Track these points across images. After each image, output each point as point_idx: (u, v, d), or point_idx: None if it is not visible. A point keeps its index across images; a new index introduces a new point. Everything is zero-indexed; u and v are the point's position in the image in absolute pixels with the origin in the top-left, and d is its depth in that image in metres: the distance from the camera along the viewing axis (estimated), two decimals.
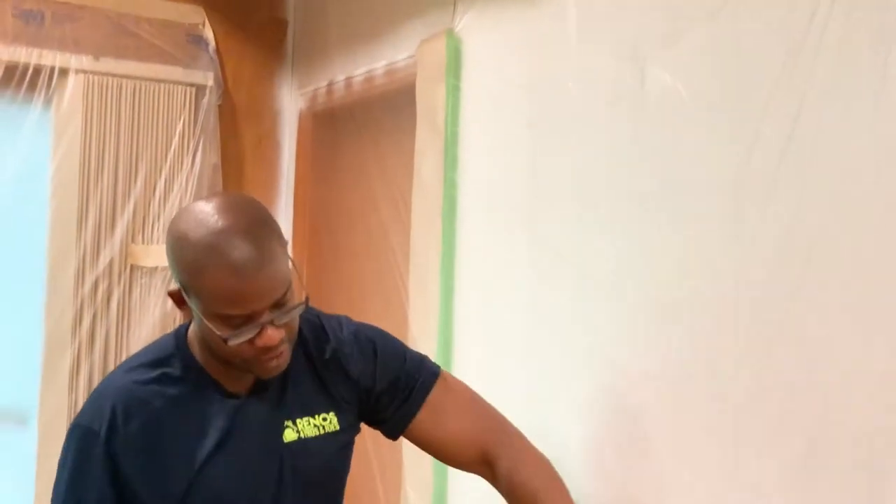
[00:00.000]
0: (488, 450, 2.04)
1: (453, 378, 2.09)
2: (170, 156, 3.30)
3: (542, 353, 2.36)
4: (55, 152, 3.20)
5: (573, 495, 1.93)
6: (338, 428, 1.99)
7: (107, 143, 3.22)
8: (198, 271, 1.76)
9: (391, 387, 2.02)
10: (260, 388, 1.92)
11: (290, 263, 1.82)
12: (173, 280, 1.85)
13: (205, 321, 1.77)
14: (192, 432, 1.88)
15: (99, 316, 3.18)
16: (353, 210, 3.09)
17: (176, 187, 3.27)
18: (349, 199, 3.14)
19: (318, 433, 1.98)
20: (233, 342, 1.76)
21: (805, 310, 1.81)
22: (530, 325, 2.40)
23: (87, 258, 3.20)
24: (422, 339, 2.70)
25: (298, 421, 1.97)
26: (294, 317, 1.83)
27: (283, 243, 1.82)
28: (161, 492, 1.84)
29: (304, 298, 1.86)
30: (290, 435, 1.95)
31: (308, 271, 3.31)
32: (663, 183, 2.05)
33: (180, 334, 1.94)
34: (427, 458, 2.59)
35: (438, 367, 2.07)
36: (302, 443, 1.95)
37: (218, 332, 1.76)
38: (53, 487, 1.87)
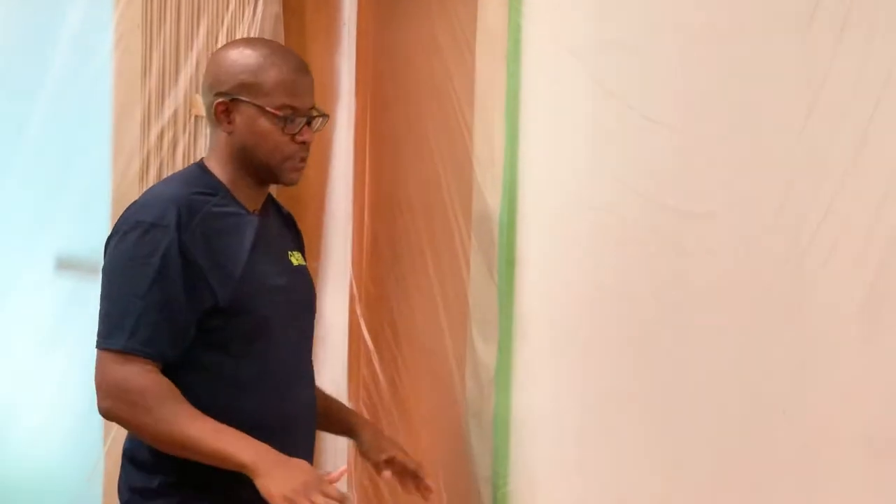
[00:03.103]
0: None
1: None
2: (231, 5, 3.27)
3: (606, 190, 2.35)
4: (117, 2, 3.18)
5: None
6: (305, 263, 2.41)
7: None
8: (263, 69, 2.23)
9: None
10: (265, 212, 2.33)
11: None
12: (213, 94, 2.25)
13: (261, 118, 2.21)
14: (235, 233, 2.23)
15: (165, 165, 3.19)
16: (416, 56, 3.06)
17: (238, 36, 3.24)
18: (411, 44, 3.11)
19: (303, 264, 2.39)
20: (289, 128, 2.21)
21: None
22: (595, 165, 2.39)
23: (153, 108, 3.20)
24: (486, 186, 2.69)
25: (295, 252, 2.39)
26: (321, 127, 2.30)
27: None
28: (224, 275, 2.18)
29: (327, 114, 2.30)
30: (294, 260, 2.37)
31: (371, 116, 3.31)
32: None
33: (199, 164, 2.32)
34: (493, 302, 2.62)
35: None
36: (302, 269, 2.38)
37: (280, 123, 2.20)
38: (118, 279, 2.18)
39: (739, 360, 2.04)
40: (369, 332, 3.28)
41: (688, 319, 2.16)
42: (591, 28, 2.38)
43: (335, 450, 3.29)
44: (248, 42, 2.42)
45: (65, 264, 3.26)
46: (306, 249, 2.56)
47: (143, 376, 2.12)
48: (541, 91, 2.54)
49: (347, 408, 2.69)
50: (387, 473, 2.44)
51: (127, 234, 2.18)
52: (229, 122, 2.25)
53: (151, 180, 3.20)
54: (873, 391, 1.79)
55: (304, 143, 2.25)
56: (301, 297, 2.39)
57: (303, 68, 2.28)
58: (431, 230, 2.94)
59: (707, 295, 2.11)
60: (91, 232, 3.22)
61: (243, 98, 2.22)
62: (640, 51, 2.26)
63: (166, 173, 3.22)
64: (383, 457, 2.45)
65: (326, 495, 2.07)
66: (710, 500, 2.11)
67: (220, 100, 2.25)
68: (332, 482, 2.14)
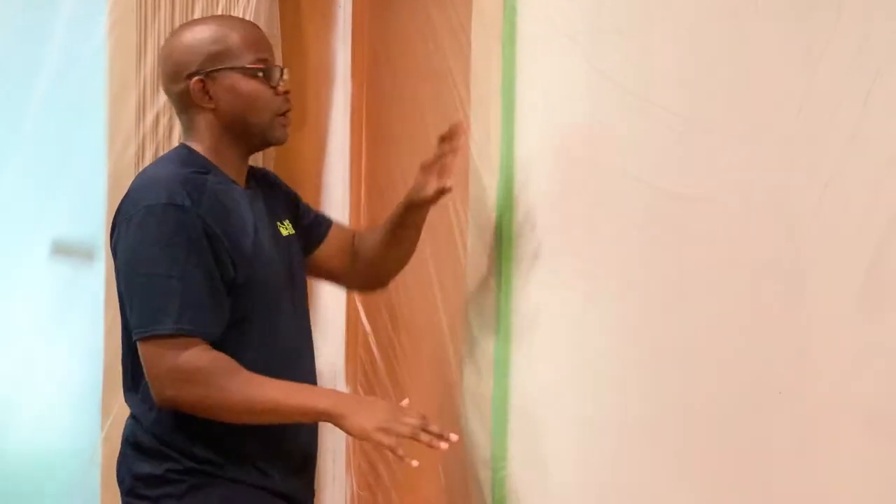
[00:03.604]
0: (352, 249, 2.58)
1: None
2: None
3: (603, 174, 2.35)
4: None
5: None
6: (293, 233, 2.41)
7: None
8: (225, 35, 2.25)
9: (303, 215, 2.52)
10: (251, 186, 2.34)
11: None
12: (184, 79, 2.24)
13: (243, 79, 2.22)
14: (237, 208, 2.22)
15: (161, 150, 3.17)
16: (412, 38, 3.05)
17: None
18: (407, 27, 3.10)
19: (291, 234, 2.40)
20: (271, 81, 2.23)
21: None
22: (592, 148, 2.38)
23: (148, 93, 3.20)
24: (483, 169, 2.69)
25: (285, 221, 2.40)
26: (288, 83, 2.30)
27: None
28: (240, 250, 2.18)
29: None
30: (283, 231, 2.37)
31: (367, 99, 3.30)
32: None
33: (183, 146, 2.31)
34: (491, 286, 2.62)
35: None
36: (291, 239, 2.38)
37: (263, 78, 2.23)
38: (146, 264, 2.15)
39: (737, 343, 2.04)
40: (367, 315, 3.28)
41: (686, 303, 2.16)
42: (587, 10, 2.37)
43: (333, 449, 3.30)
44: (192, 23, 2.45)
45: (61, 249, 3.26)
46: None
47: (202, 355, 2.12)
48: (537, 74, 2.53)
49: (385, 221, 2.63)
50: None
51: (142, 219, 2.15)
52: (210, 98, 2.24)
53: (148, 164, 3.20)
54: (871, 373, 1.79)
55: (286, 93, 2.29)
56: (295, 270, 2.39)
57: (257, 26, 2.39)
58: (429, 214, 2.94)
59: (705, 278, 2.11)
60: (87, 217, 3.22)
61: (218, 67, 2.24)
62: (638, 34, 2.25)
63: None
64: (430, 190, 2.48)
65: (410, 418, 2.16)
66: (709, 481, 2.11)
67: (197, 78, 2.24)
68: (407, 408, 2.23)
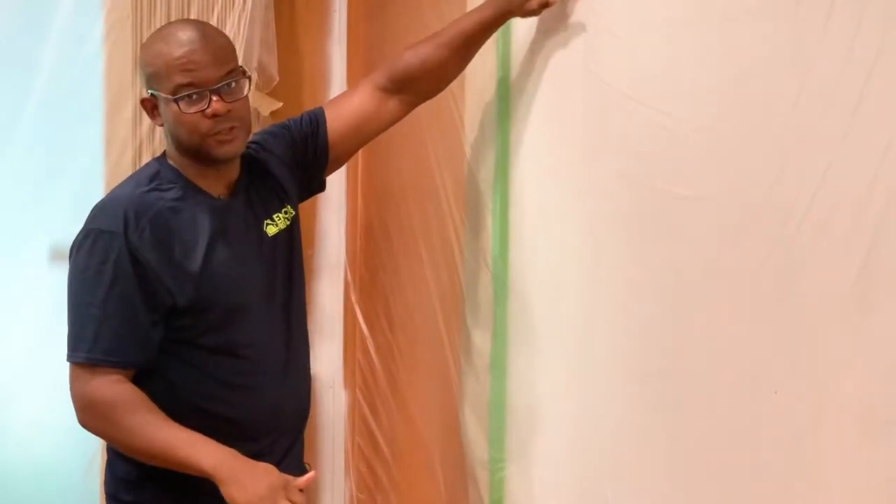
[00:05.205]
0: (380, 79, 2.52)
1: None
2: None
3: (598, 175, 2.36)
4: None
5: None
6: (294, 213, 2.39)
7: None
8: (155, 56, 2.18)
9: (302, 134, 2.44)
10: (237, 190, 2.29)
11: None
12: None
13: (169, 104, 2.15)
14: (191, 227, 2.19)
15: (157, 154, 3.19)
16: (406, 42, 3.04)
17: (228, 25, 3.23)
18: (402, 31, 3.11)
19: (287, 224, 2.35)
20: (186, 108, 2.13)
21: None
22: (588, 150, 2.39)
23: None
24: (479, 171, 2.70)
25: (275, 216, 2.33)
26: (239, 94, 2.19)
27: (231, 44, 2.27)
28: (181, 274, 2.15)
29: (247, 74, 2.24)
30: (272, 230, 2.32)
31: None
32: None
33: (159, 157, 2.30)
34: (487, 288, 2.62)
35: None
36: (278, 237, 2.32)
37: (178, 106, 2.13)
38: (76, 291, 2.19)
39: (732, 342, 2.04)
40: (364, 319, 3.28)
41: (681, 303, 2.16)
42: (581, 13, 2.38)
43: (332, 453, 3.31)
44: (155, 32, 2.34)
45: (59, 255, 3.26)
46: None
47: (109, 388, 2.13)
48: (531, 77, 2.54)
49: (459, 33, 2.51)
50: None
51: (80, 244, 2.19)
52: (157, 116, 2.24)
53: None
54: (865, 372, 1.80)
55: (215, 115, 2.16)
56: (278, 275, 2.33)
57: (197, 39, 2.17)
58: (425, 217, 2.95)
59: (700, 278, 2.12)
60: (80, 223, 3.22)
61: (152, 90, 2.21)
62: (630, 37, 2.26)
63: None
64: (534, 3, 2.39)
65: (292, 502, 2.06)
66: (704, 481, 2.11)
67: (143, 98, 2.25)
68: (299, 487, 2.10)
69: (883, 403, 1.77)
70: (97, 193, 3.15)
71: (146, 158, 3.17)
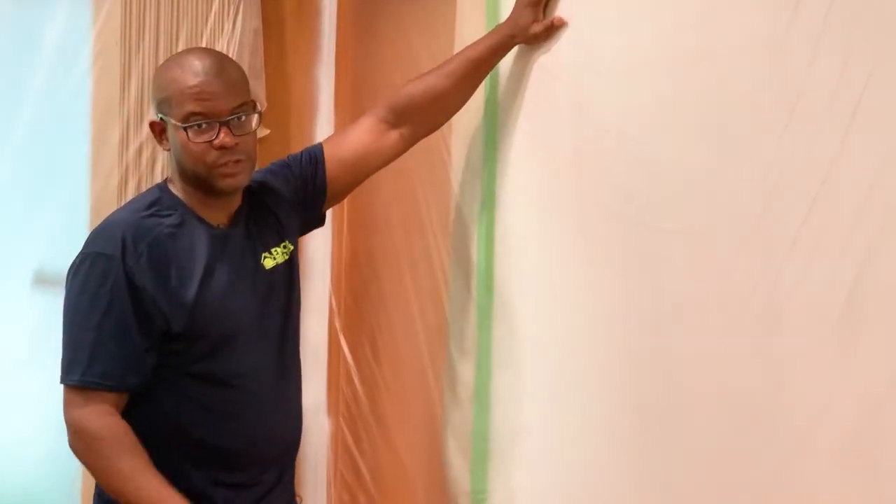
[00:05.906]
0: (381, 111, 2.50)
1: None
2: (210, 20, 3.26)
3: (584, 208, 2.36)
4: (96, 18, 3.17)
5: None
6: (293, 248, 2.38)
7: (147, 7, 3.19)
8: (168, 83, 2.19)
9: (301, 171, 2.44)
10: (237, 220, 2.29)
11: (257, 98, 2.37)
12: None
13: (178, 131, 2.16)
14: (188, 254, 2.19)
15: (144, 181, 3.19)
16: (394, 70, 3.07)
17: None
18: (390, 58, 3.12)
19: (286, 258, 2.35)
20: (194, 136, 2.14)
21: None
22: (574, 183, 2.40)
23: (131, 124, 3.20)
24: (464, 201, 2.70)
25: (273, 250, 2.33)
26: (248, 128, 2.20)
27: (245, 76, 2.29)
28: (176, 301, 2.15)
29: (258, 109, 2.25)
30: (269, 262, 2.31)
31: None
32: None
33: (162, 183, 2.30)
34: (471, 318, 2.62)
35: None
36: (277, 271, 2.32)
37: (186, 134, 2.14)
38: (72, 313, 2.17)
39: (718, 373, 2.05)
40: (349, 348, 3.28)
41: (667, 335, 2.16)
42: (568, 47, 2.39)
43: (315, 482, 3.30)
44: (172, 57, 2.37)
45: (43, 280, 3.25)
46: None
47: (96, 419, 2.13)
48: (519, 109, 2.54)
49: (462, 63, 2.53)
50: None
51: (78, 267, 2.18)
52: (165, 141, 2.24)
53: (130, 195, 3.19)
54: (850, 401, 1.80)
55: (223, 147, 2.17)
56: (274, 309, 2.33)
57: (213, 70, 2.19)
58: (410, 245, 2.94)
59: (687, 311, 2.12)
60: (69, 247, 3.20)
61: (162, 116, 2.21)
62: (617, 71, 2.27)
63: (145, 189, 3.22)
64: (539, 28, 2.40)
65: None
66: None
67: (153, 120, 2.26)
68: None
69: (865, 434, 1.78)
70: (82, 218, 3.16)
71: (132, 184, 3.18)
